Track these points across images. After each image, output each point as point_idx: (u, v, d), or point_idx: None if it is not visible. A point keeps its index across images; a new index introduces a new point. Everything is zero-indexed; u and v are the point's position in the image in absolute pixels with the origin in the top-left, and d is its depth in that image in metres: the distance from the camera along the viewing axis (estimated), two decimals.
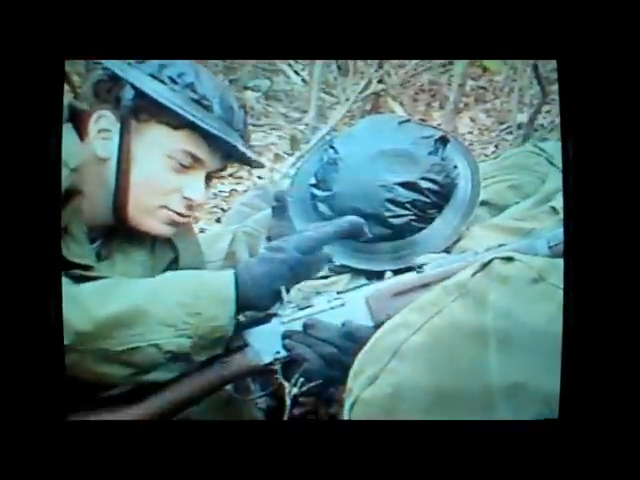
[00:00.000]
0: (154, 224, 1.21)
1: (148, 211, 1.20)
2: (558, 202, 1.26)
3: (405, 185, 1.27)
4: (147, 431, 1.03)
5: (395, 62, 3.11)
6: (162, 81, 1.15)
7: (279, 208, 1.39)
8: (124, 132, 1.16)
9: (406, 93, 3.34)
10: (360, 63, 3.51)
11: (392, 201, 1.26)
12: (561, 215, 1.22)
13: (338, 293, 1.12)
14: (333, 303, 1.10)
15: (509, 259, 1.00)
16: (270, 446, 1.02)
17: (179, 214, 1.20)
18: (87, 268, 1.16)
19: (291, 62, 3.31)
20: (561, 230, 1.13)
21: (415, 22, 1.05)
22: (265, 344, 1.09)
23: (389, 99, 3.17)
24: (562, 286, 0.97)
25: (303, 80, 3.16)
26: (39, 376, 0.98)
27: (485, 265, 1.00)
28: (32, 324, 0.98)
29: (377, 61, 2.98)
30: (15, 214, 0.99)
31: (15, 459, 0.99)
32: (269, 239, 1.38)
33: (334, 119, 2.74)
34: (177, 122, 1.16)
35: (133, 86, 1.15)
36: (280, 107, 3.35)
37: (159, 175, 1.18)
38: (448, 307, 0.99)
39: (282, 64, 3.24)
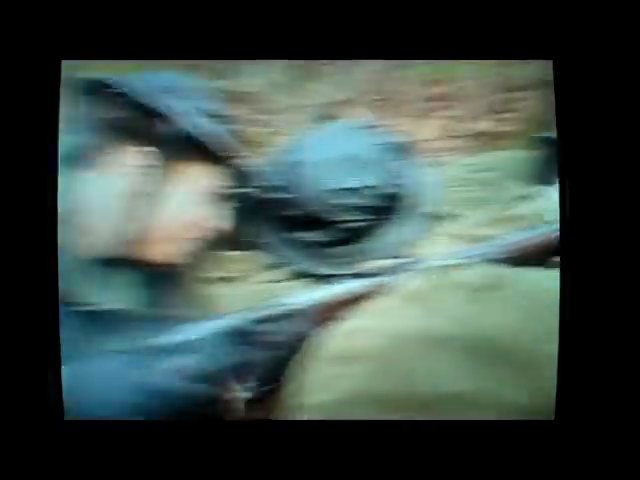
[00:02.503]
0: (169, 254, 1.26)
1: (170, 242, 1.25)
2: (517, 210, 1.29)
3: (361, 190, 1.29)
4: (146, 431, 1.06)
5: (362, 68, 3.14)
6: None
7: (235, 211, 1.40)
8: (163, 169, 1.21)
9: (371, 99, 3.37)
10: (327, 67, 3.53)
11: (347, 205, 1.29)
12: (519, 223, 1.25)
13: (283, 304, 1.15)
14: (279, 310, 1.13)
15: (465, 266, 1.04)
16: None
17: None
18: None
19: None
20: (515, 237, 1.16)
21: (411, 23, 1.07)
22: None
23: (354, 105, 3.19)
24: (518, 293, 1.00)
25: (270, 84, 3.17)
26: (39, 377, 1.02)
27: (440, 272, 1.03)
28: (32, 326, 1.02)
29: (345, 68, 2.99)
30: (11, 217, 1.02)
31: (15, 459, 1.02)
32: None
33: (296, 124, 2.75)
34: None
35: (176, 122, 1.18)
36: (244, 109, 3.37)
37: (191, 209, 1.24)
38: (403, 313, 1.02)
39: (246, 64, 3.24)
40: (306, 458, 1.06)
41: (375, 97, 3.41)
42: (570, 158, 1.04)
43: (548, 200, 1.27)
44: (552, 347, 0.98)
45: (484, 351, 0.97)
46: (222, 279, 1.34)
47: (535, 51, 1.07)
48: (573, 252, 1.03)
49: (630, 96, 1.02)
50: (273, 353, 1.10)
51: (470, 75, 3.17)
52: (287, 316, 1.13)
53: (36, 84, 1.03)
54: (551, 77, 1.05)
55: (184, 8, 1.07)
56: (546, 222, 1.21)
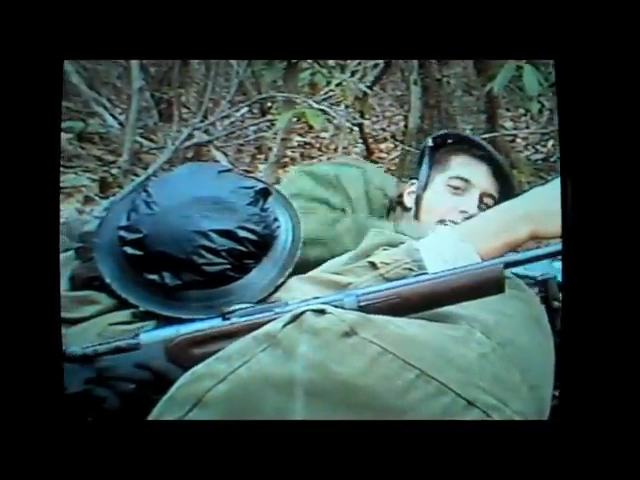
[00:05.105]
0: None
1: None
2: (377, 257, 1.31)
3: (221, 233, 1.28)
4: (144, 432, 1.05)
5: (220, 113, 3.15)
6: None
7: (83, 249, 1.36)
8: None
9: (231, 144, 3.40)
10: (184, 110, 3.54)
11: (206, 248, 1.27)
12: (380, 271, 1.27)
13: (136, 336, 1.14)
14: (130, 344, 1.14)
15: (321, 312, 1.04)
16: None
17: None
18: None
19: (108, 105, 3.30)
20: (375, 288, 1.18)
21: (410, 22, 1.07)
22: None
23: (212, 149, 3.20)
24: (374, 340, 1.01)
25: (120, 123, 3.13)
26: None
27: (297, 317, 1.04)
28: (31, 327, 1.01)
29: (202, 111, 3.02)
30: (13, 215, 1.01)
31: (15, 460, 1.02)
32: (72, 279, 1.35)
33: (154, 165, 2.73)
34: None
35: None
36: (94, 149, 3.32)
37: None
38: (257, 357, 1.01)
39: (98, 107, 3.22)
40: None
41: (236, 142, 3.44)
42: (571, 158, 1.05)
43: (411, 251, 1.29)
44: (411, 397, 0.99)
45: (337, 396, 0.98)
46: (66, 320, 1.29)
47: (536, 51, 1.09)
48: (574, 252, 1.03)
49: (633, 95, 1.04)
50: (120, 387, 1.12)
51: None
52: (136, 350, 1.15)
53: (38, 84, 1.03)
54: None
55: (184, 8, 1.07)
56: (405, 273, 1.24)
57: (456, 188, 1.67)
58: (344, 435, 1.00)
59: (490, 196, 1.69)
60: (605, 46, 1.05)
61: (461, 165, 1.71)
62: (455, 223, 1.61)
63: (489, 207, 1.66)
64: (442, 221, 1.63)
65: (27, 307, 1.01)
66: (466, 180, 1.67)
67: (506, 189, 1.71)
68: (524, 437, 1.02)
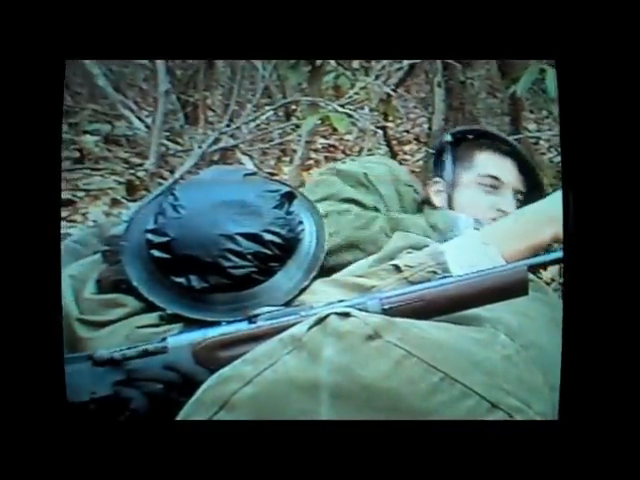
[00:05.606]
0: None
1: None
2: (401, 260, 1.31)
3: (247, 236, 1.29)
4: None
5: (246, 117, 3.16)
6: None
7: (110, 252, 1.38)
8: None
9: (256, 147, 3.40)
10: (209, 113, 3.55)
11: (233, 251, 1.28)
12: (404, 274, 1.27)
13: (163, 339, 1.16)
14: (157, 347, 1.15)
15: (345, 315, 1.05)
16: None
17: None
18: None
19: (134, 108, 3.32)
20: (398, 291, 1.18)
21: (410, 22, 1.08)
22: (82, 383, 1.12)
23: (238, 152, 3.21)
24: (398, 343, 1.02)
25: (147, 126, 3.15)
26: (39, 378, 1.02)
27: (321, 320, 1.04)
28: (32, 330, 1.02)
29: (228, 114, 3.03)
30: (13, 216, 1.02)
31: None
32: (99, 282, 1.36)
33: (181, 168, 2.75)
34: None
35: None
36: (121, 152, 3.35)
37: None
38: (282, 360, 1.02)
39: (125, 110, 3.24)
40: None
41: (261, 146, 3.44)
42: (572, 157, 1.04)
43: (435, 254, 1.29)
44: (435, 400, 0.99)
45: (361, 399, 0.98)
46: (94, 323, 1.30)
47: (537, 50, 1.09)
48: (576, 253, 1.03)
49: (633, 94, 1.03)
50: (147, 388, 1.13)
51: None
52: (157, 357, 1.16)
53: (40, 83, 1.04)
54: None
55: (186, 8, 1.07)
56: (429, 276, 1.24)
57: (489, 187, 1.66)
58: (367, 435, 1.00)
59: (520, 192, 1.68)
60: (607, 45, 1.04)
61: (488, 162, 1.69)
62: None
63: (521, 203, 1.65)
64: (478, 221, 1.60)
65: (28, 309, 1.02)
66: (497, 178, 1.66)
67: (532, 183, 1.70)
68: (536, 436, 1.02)
